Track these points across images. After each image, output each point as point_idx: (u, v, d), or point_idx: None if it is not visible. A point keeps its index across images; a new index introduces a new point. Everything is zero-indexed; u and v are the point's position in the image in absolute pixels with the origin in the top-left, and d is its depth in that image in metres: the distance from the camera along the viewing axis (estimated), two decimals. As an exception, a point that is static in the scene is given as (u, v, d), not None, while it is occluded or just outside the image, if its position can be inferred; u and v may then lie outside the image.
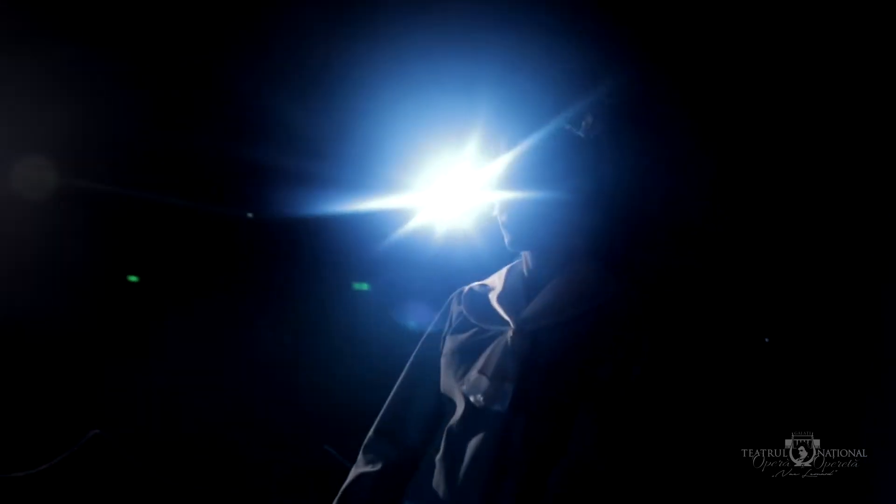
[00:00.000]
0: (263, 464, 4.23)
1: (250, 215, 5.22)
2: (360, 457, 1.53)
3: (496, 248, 4.53)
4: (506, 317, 1.37)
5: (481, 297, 1.47)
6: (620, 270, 1.35)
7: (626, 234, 1.41)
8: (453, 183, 4.56)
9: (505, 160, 1.40)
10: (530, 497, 1.24)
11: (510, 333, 1.34)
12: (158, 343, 4.55)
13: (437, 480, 1.36)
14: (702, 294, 1.21)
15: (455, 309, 1.52)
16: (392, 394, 1.56)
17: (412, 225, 4.78)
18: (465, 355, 1.40)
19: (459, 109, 3.92)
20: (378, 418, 1.55)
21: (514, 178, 1.38)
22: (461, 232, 4.73)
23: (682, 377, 1.25)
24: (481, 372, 1.33)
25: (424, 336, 1.55)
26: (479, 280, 1.55)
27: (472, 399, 1.32)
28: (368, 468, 1.48)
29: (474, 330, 1.43)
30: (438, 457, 1.39)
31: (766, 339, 1.12)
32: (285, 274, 5.11)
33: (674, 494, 1.23)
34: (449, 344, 1.46)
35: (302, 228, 4.94)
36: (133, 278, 5.31)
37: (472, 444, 1.31)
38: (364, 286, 5.85)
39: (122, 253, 4.74)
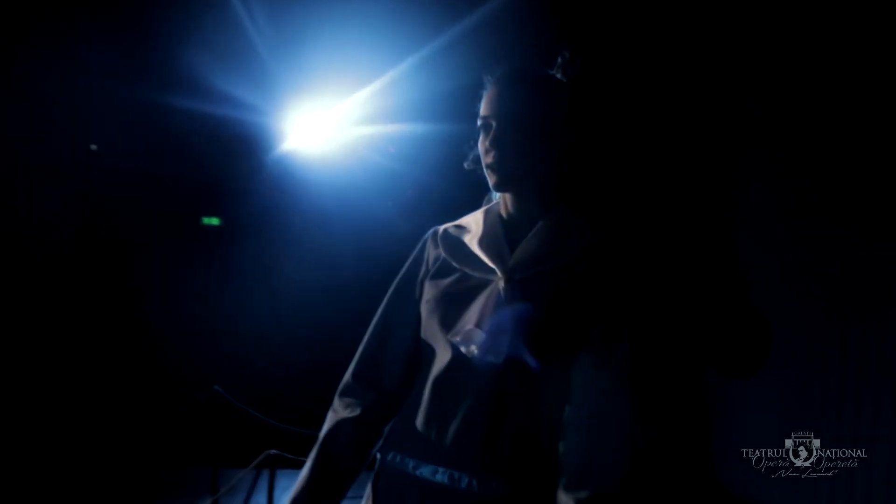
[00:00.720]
0: (153, 405, 4.11)
1: (94, 147, 4.89)
2: (336, 401, 1.48)
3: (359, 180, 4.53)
4: (492, 264, 1.35)
5: (458, 239, 1.43)
6: (598, 217, 1.36)
7: (602, 179, 1.43)
8: (316, 110, 4.53)
9: (492, 100, 1.37)
10: (527, 449, 1.25)
11: (501, 283, 1.31)
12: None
13: (425, 431, 1.33)
14: (679, 243, 1.24)
15: (432, 252, 1.46)
16: (367, 338, 1.50)
17: (273, 153, 4.69)
18: (452, 303, 1.36)
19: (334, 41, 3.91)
20: (354, 363, 1.50)
21: (500, 120, 1.34)
22: (322, 160, 4.73)
23: (668, 326, 1.27)
24: (477, 325, 1.29)
25: (398, 279, 1.51)
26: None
27: (464, 350, 1.30)
28: (347, 413, 1.44)
29: (457, 275, 1.39)
30: (424, 407, 1.35)
31: (739, 274, 1.20)
32: (133, 208, 4.85)
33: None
34: (430, 290, 1.41)
35: (147, 159, 4.69)
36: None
37: (464, 396, 1.29)
38: (214, 221, 5.67)
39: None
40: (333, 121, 4.58)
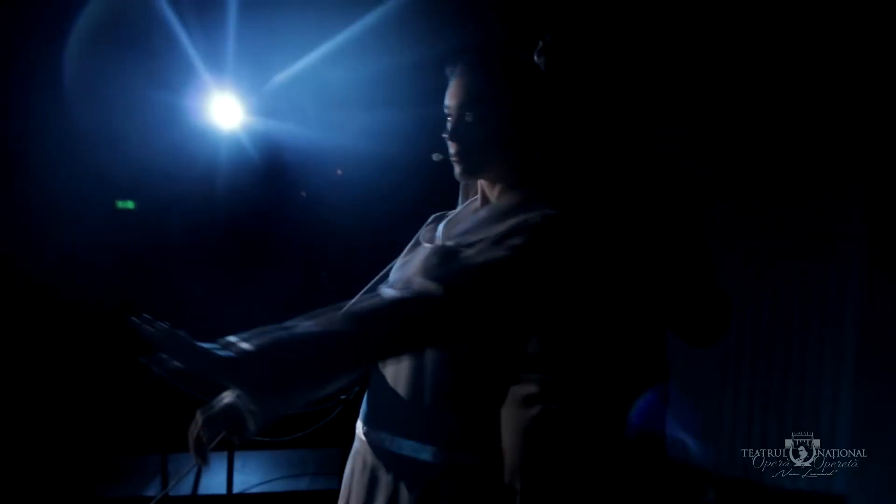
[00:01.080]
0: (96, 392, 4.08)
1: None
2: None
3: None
4: (440, 236, 1.44)
5: (440, 219, 1.53)
6: (545, 197, 1.36)
7: (575, 166, 1.46)
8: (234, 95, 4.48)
9: (451, 90, 1.39)
10: (452, 415, 1.33)
11: (427, 250, 1.42)
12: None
13: (371, 382, 1.44)
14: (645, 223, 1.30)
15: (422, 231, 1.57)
16: (360, 294, 1.56)
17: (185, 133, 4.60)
18: (398, 269, 1.48)
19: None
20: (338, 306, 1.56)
21: (458, 111, 1.37)
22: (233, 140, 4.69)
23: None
24: (391, 283, 1.40)
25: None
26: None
27: None
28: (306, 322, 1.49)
29: (418, 248, 1.48)
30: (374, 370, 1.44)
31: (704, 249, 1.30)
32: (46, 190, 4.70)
33: None
34: (397, 261, 1.53)
35: (59, 139, 4.54)
36: None
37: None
38: (129, 204, 5.54)
39: None
40: (248, 107, 4.56)
